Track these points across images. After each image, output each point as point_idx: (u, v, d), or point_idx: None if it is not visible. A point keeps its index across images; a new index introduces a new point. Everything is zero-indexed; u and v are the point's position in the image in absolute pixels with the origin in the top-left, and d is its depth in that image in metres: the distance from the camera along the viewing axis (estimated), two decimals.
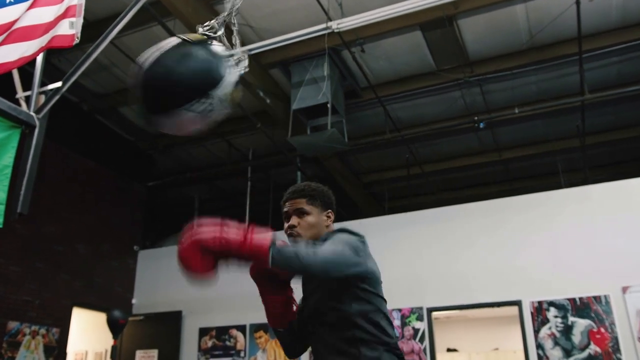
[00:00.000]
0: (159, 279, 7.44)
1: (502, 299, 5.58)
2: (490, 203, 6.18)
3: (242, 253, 1.42)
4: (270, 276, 1.66)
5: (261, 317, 7.65)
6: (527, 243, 5.66)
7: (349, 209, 8.72)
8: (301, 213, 1.77)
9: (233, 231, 1.44)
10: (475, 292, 5.66)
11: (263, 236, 1.43)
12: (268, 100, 6.35)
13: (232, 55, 1.73)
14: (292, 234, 1.76)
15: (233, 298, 6.83)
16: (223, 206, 9.91)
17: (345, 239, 1.62)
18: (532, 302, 5.40)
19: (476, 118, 6.50)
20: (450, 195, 8.91)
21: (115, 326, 6.06)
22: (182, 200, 9.55)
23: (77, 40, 2.59)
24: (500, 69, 6.16)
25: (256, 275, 1.71)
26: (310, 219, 1.76)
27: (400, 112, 7.12)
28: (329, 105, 5.75)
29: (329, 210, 1.82)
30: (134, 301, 7.49)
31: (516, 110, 6.35)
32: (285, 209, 1.80)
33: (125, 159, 7.92)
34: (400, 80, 6.56)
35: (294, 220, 1.77)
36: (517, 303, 5.48)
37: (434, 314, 5.84)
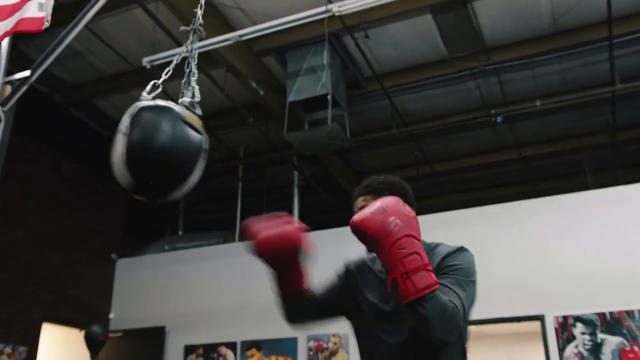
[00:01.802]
0: (140, 291, 7.42)
1: (522, 313, 5.56)
2: (508, 206, 6.17)
3: (406, 270, 1.47)
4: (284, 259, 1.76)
5: (253, 333, 7.69)
6: (551, 251, 5.64)
7: (351, 212, 8.67)
8: None
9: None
10: (492, 306, 5.64)
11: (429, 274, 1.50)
12: (261, 92, 6.34)
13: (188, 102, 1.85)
14: None
15: (222, 312, 6.81)
16: (211, 209, 9.90)
17: (473, 273, 1.67)
18: (557, 317, 5.38)
19: (493, 111, 6.48)
20: (464, 197, 8.90)
21: (94, 343, 6.02)
22: (165, 203, 9.50)
23: (47, 24, 2.57)
24: (520, 56, 6.14)
25: (271, 259, 1.81)
26: None
27: (408, 105, 7.11)
28: (329, 97, 5.74)
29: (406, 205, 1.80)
30: (111, 316, 7.47)
31: (538, 103, 6.33)
32: (354, 209, 1.82)
33: (103, 157, 7.86)
34: (408, 69, 6.55)
35: None
36: (540, 318, 5.47)
37: None
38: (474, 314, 5.71)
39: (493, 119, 6.51)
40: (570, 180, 8.38)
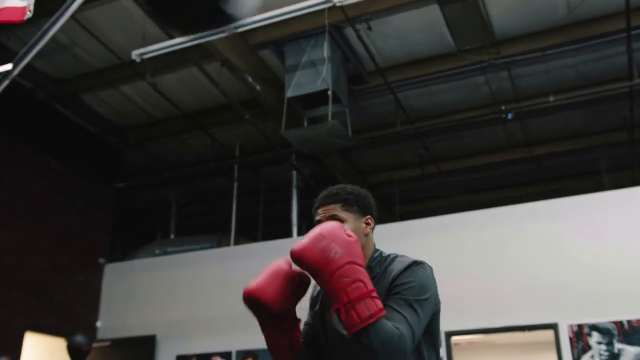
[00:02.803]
0: (129, 298, 7.41)
1: (534, 321, 5.55)
2: (519, 208, 6.16)
3: (347, 294, 1.51)
4: (275, 312, 1.72)
5: (249, 342, 7.68)
6: (564, 255, 5.63)
7: None
8: (335, 220, 1.77)
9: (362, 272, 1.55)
10: (502, 314, 5.63)
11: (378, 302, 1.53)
12: (258, 87, 6.34)
13: None
14: None
15: (216, 320, 6.80)
16: (205, 211, 9.90)
17: (426, 289, 1.67)
18: (571, 326, 5.37)
19: (503, 107, 6.47)
20: (473, 199, 8.89)
21: (77, 354, 6.01)
22: (156, 204, 9.53)
23: (29, 14, 2.57)
24: (532, 49, 6.14)
25: (251, 306, 1.76)
26: (346, 227, 1.74)
27: (413, 101, 7.10)
28: (329, 93, 5.74)
29: (368, 216, 1.83)
30: (99, 324, 7.46)
31: (551, 98, 6.32)
32: (317, 218, 1.82)
33: (90, 156, 7.90)
34: (413, 63, 6.54)
35: None
36: (553, 326, 5.46)
37: (454, 338, 5.80)
38: (482, 323, 5.72)
39: (503, 115, 6.50)
40: (585, 181, 8.37)
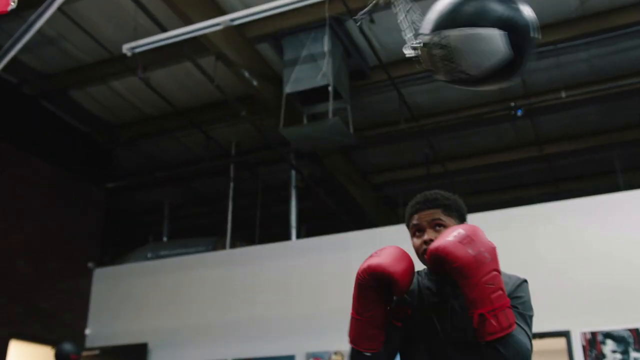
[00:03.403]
0: (120, 304, 7.40)
1: (545, 328, 5.53)
2: (529, 209, 6.15)
3: (489, 307, 1.59)
4: (389, 285, 1.74)
5: (246, 350, 7.63)
6: (577, 259, 5.62)
7: (354, 216, 8.69)
8: (438, 225, 1.84)
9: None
10: None
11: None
12: (255, 82, 6.32)
13: None
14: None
15: (211, 327, 6.79)
16: (199, 213, 9.89)
17: (532, 315, 1.80)
18: (584, 333, 5.36)
19: (512, 104, 6.45)
20: (480, 200, 8.88)
21: None
22: (149, 206, 9.51)
23: (13, 5, 2.55)
24: (543, 42, 6.12)
25: (370, 281, 1.75)
26: None
27: (418, 97, 7.09)
28: (330, 89, 5.73)
29: (465, 223, 1.91)
30: (87, 331, 7.45)
31: (563, 94, 6.30)
32: (414, 222, 1.88)
33: (78, 155, 7.89)
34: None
35: (430, 234, 1.83)
36: (565, 334, 5.44)
37: None
38: None
39: (512, 112, 6.48)
40: (599, 181, 8.36)
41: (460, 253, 1.59)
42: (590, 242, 5.64)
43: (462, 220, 1.90)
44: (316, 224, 8.71)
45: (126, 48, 5.59)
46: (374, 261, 1.74)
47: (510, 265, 6.45)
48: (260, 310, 6.61)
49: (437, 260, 1.64)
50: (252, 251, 7.24)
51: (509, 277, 1.82)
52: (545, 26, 6.08)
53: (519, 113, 6.56)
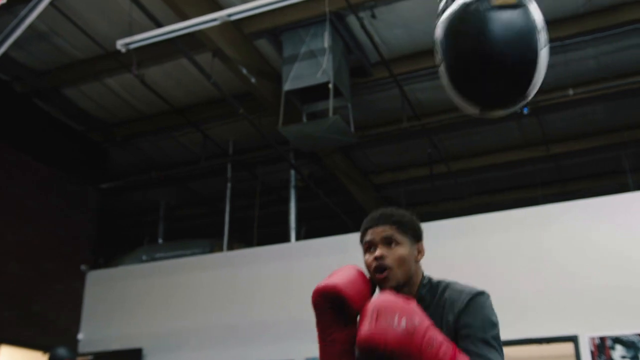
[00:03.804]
0: (114, 308, 7.39)
1: (552, 333, 5.53)
2: (535, 210, 6.14)
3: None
4: (342, 305, 1.74)
5: (245, 355, 7.61)
6: (585, 261, 5.61)
7: (355, 218, 8.67)
8: (390, 242, 1.84)
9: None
10: (517, 325, 5.61)
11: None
12: (253, 79, 6.32)
13: None
14: (381, 267, 1.81)
15: (208, 331, 6.78)
16: (196, 213, 9.89)
17: (494, 321, 1.74)
18: (592, 338, 5.35)
19: None
20: (485, 200, 8.88)
21: None
22: (144, 207, 9.51)
23: (3, 0, 2.55)
24: (550, 38, 6.09)
25: (324, 303, 1.77)
26: (401, 250, 1.83)
27: (421, 95, 7.09)
28: (330, 86, 5.73)
29: (420, 243, 1.91)
30: (80, 336, 7.44)
31: (570, 92, 6.30)
32: (368, 238, 1.88)
33: (72, 154, 7.88)
34: (421, 54, 6.52)
35: (382, 250, 1.83)
36: (573, 339, 5.43)
37: None
38: None
39: (518, 110, 6.47)
40: (607, 181, 8.36)
41: (391, 335, 1.55)
42: (599, 244, 5.63)
43: (416, 240, 1.88)
44: (316, 225, 8.71)
45: (120, 44, 5.58)
46: (326, 282, 1.75)
47: (515, 268, 6.48)
48: (258, 314, 6.61)
49: (371, 354, 1.58)
50: (251, 253, 7.24)
51: (460, 292, 1.78)
52: (552, 22, 6.07)
53: (525, 111, 6.55)
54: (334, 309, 1.74)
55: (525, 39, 1.76)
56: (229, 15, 5.27)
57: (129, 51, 5.56)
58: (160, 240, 9.00)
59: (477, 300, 1.75)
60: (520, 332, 5.60)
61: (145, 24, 5.69)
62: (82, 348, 7.36)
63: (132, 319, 7.24)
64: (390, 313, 1.57)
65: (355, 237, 6.66)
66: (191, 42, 5.94)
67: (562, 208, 6.04)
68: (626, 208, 5.75)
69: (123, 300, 7.39)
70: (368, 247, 1.87)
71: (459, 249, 6.08)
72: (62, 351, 6.07)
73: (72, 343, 7.28)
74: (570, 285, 5.58)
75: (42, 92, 7.28)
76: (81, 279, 7.69)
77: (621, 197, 5.94)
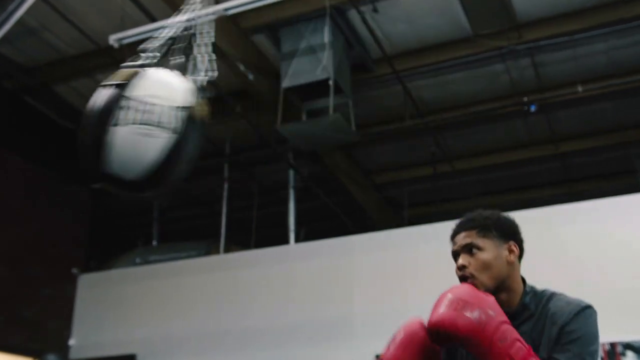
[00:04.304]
0: (107, 312, 7.38)
1: None
2: (543, 211, 6.14)
3: None
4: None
5: None
6: (594, 264, 5.61)
7: (356, 218, 8.68)
8: (471, 249, 1.83)
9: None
10: None
11: None
12: (250, 76, 6.32)
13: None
14: (464, 277, 1.82)
15: (204, 337, 6.78)
16: (192, 215, 9.88)
17: (596, 338, 1.74)
18: (602, 344, 5.34)
19: (525, 99, 6.45)
20: (490, 201, 8.86)
21: None
22: (137, 208, 9.50)
23: None
24: (558, 33, 6.12)
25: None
26: (483, 255, 1.81)
27: (424, 92, 7.09)
28: (330, 83, 5.73)
29: (511, 242, 1.88)
30: (72, 342, 7.44)
31: (579, 89, 6.30)
32: (452, 249, 1.89)
33: (63, 153, 7.86)
34: (424, 50, 6.53)
35: (463, 260, 1.83)
36: None
37: None
38: None
39: (525, 108, 6.49)
40: (617, 181, 8.36)
41: (461, 322, 1.58)
42: (608, 246, 5.63)
43: (507, 239, 1.86)
44: (316, 227, 8.70)
45: (113, 39, 5.58)
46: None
47: (522, 271, 6.44)
48: (256, 319, 6.60)
49: (446, 337, 1.62)
50: (248, 256, 7.24)
51: (565, 302, 1.80)
52: (560, 16, 6.08)
53: (532, 109, 6.56)
54: None
55: (98, 117, 1.87)
56: (226, 10, 5.27)
57: (122, 47, 5.56)
58: (154, 243, 9.00)
59: (586, 313, 1.77)
60: None
61: (139, 19, 5.70)
62: (73, 354, 7.36)
63: (126, 324, 7.23)
64: (464, 301, 1.60)
65: (356, 238, 6.70)
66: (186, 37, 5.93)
67: (570, 209, 6.03)
68: (637, 209, 5.74)
69: (116, 304, 7.39)
70: (455, 258, 1.87)
71: None
72: (52, 357, 6.09)
73: (63, 349, 7.28)
74: (578, 289, 5.55)
75: (31, 89, 7.27)
76: (73, 282, 7.68)
77: (632, 197, 5.91)
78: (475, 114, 7.10)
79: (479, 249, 1.81)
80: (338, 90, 5.88)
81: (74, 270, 7.70)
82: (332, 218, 8.51)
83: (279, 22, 6.06)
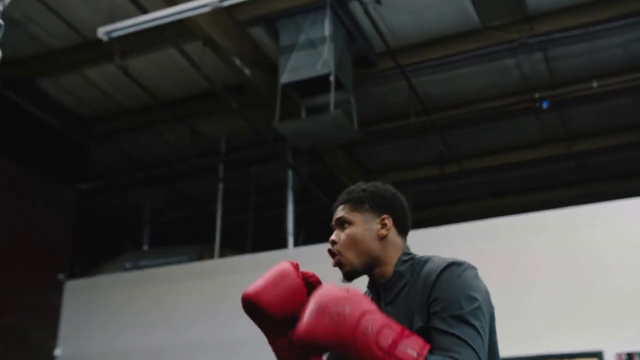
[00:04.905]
0: (94, 321, 7.38)
1: (576, 348, 5.53)
2: (557, 214, 6.14)
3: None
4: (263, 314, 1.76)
5: None
6: (611, 269, 5.61)
7: None
8: (343, 223, 1.82)
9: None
10: (538, 339, 5.62)
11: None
12: (247, 71, 6.32)
13: None
14: (331, 254, 1.82)
15: (198, 347, 6.78)
16: (184, 217, 9.89)
17: (475, 293, 1.64)
18: (619, 355, 5.35)
19: (537, 95, 6.45)
20: (501, 203, 8.88)
21: None
22: (127, 210, 9.51)
23: None
24: (572, 25, 6.12)
25: (250, 313, 1.82)
26: (351, 230, 1.80)
27: (430, 87, 7.10)
28: (331, 78, 5.73)
29: (384, 216, 1.82)
30: (57, 352, 7.44)
31: (594, 84, 6.29)
32: (332, 223, 1.88)
33: (48, 153, 7.88)
34: (430, 43, 6.54)
35: (334, 235, 1.83)
36: (598, 355, 5.43)
37: None
38: (514, 350, 5.67)
39: (537, 104, 6.48)
40: (635, 182, 8.36)
41: (318, 328, 1.52)
42: (627, 251, 5.63)
43: (380, 212, 1.81)
44: (316, 230, 8.70)
45: (102, 32, 5.58)
46: (244, 293, 1.76)
47: (535, 277, 6.45)
48: (253, 328, 6.58)
49: (311, 346, 1.60)
50: (244, 261, 7.24)
51: (434, 263, 1.72)
52: (574, 7, 6.08)
53: (545, 105, 6.55)
54: (262, 318, 1.76)
55: None
56: (221, 1, 5.28)
57: (111, 40, 5.56)
58: (145, 247, 9.00)
59: (452, 269, 1.67)
60: (541, 347, 5.61)
61: (129, 10, 5.70)
62: None
63: (115, 333, 7.23)
64: (319, 307, 1.54)
65: None
66: (179, 30, 5.94)
67: (585, 212, 6.03)
68: None
69: (104, 312, 7.39)
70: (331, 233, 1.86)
71: (472, 255, 6.02)
72: None
73: (49, 359, 7.28)
74: (594, 297, 5.58)
75: (15, 84, 7.27)
76: (58, 289, 7.67)
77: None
78: (484, 111, 7.10)
79: (349, 223, 1.80)
80: (339, 85, 5.88)
81: (60, 276, 7.70)
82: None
83: (277, 14, 6.06)
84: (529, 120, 7.57)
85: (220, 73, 6.56)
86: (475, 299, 1.63)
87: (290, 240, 7.44)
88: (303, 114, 6.19)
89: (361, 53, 6.49)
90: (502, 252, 6.08)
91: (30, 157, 7.58)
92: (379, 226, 1.81)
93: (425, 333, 1.60)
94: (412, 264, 1.78)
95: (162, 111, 7.37)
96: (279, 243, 7.46)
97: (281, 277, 1.79)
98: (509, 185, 8.96)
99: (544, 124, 7.67)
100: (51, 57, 6.86)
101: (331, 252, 1.82)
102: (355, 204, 1.83)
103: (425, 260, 1.77)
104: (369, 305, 1.55)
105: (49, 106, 7.62)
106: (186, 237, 9.15)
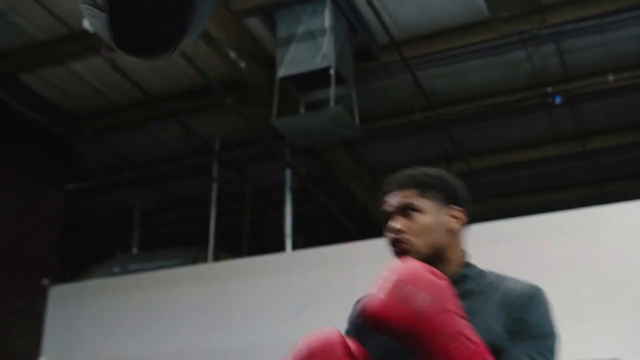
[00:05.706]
0: (81, 328, 7.38)
1: (592, 356, 5.53)
2: (569, 215, 6.15)
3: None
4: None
5: None
6: (628, 273, 5.61)
7: (361, 222, 8.68)
8: (409, 210, 1.71)
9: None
10: None
11: None
12: (242, 65, 6.32)
13: None
14: (398, 242, 1.69)
15: (191, 355, 6.78)
16: (177, 219, 9.89)
17: (554, 323, 1.68)
18: None
19: (549, 90, 6.44)
20: (510, 203, 8.88)
21: None
22: (116, 212, 9.50)
23: None
24: (586, 16, 6.13)
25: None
26: (423, 219, 1.69)
27: (436, 81, 7.10)
28: (331, 72, 5.73)
29: (455, 207, 1.76)
30: None
31: (610, 78, 6.29)
32: (385, 207, 1.75)
33: (33, 151, 7.87)
34: (436, 35, 6.54)
35: (398, 222, 1.70)
36: None
37: None
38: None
39: (549, 99, 6.48)
40: None
41: (392, 311, 1.44)
42: None
43: (450, 201, 1.75)
44: (315, 233, 8.71)
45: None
46: None
47: (547, 282, 6.40)
48: (249, 335, 6.60)
49: (375, 327, 1.50)
50: (240, 265, 7.24)
51: (519, 284, 1.71)
52: None
53: (557, 100, 6.56)
54: None
55: None
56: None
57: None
58: (134, 250, 9.00)
59: (538, 298, 1.70)
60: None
61: None
62: None
63: (103, 341, 7.23)
64: (403, 286, 1.46)
65: (359, 246, 6.70)
66: None
67: (600, 212, 6.04)
68: None
69: (92, 319, 7.39)
70: (385, 218, 1.74)
71: (481, 258, 6.01)
72: None
73: None
74: (610, 302, 5.58)
75: None
76: (42, 295, 7.67)
77: None
78: (492, 107, 7.10)
79: (419, 211, 1.70)
80: (340, 80, 5.88)
81: (44, 281, 7.69)
82: (333, 222, 8.51)
83: (274, 4, 6.06)
84: (539, 116, 7.57)
85: (214, 67, 6.55)
86: (551, 328, 1.68)
87: (289, 243, 7.43)
88: (302, 110, 6.19)
89: (363, 45, 6.49)
90: (510, 255, 6.07)
91: (14, 156, 7.58)
92: (450, 218, 1.75)
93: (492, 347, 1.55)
94: (481, 272, 1.77)
95: (153, 107, 7.37)
96: (277, 246, 7.46)
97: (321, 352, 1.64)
98: (519, 185, 8.96)
99: (555, 120, 7.67)
100: (35, 50, 6.85)
101: (396, 241, 1.69)
102: (425, 189, 1.73)
103: (502, 276, 1.78)
104: (453, 302, 1.50)
105: (34, 102, 7.62)
106: (179, 240, 9.15)
